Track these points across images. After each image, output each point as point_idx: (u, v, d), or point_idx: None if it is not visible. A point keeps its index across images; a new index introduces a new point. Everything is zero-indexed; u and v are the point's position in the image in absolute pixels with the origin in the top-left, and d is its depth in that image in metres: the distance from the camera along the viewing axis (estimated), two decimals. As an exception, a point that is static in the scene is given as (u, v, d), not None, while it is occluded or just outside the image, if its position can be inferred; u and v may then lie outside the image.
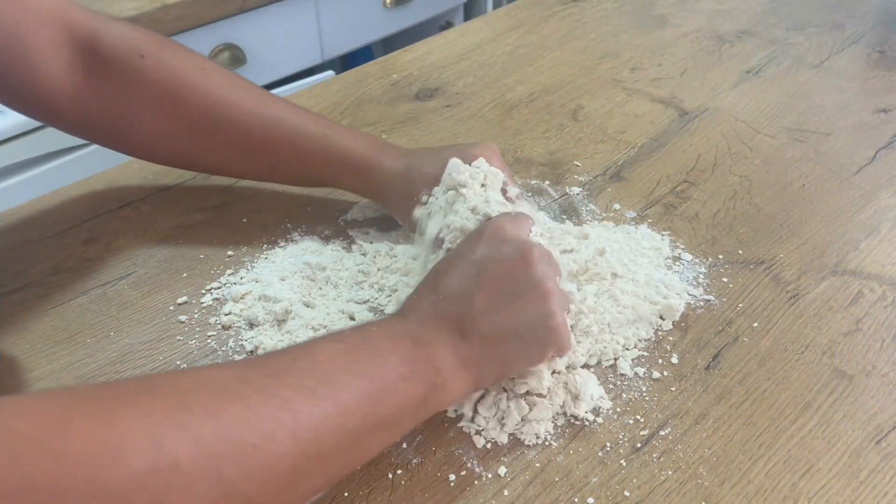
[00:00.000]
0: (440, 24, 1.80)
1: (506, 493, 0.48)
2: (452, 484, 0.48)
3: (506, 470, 0.49)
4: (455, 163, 0.58)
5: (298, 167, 0.66)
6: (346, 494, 0.47)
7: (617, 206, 0.71)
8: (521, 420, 0.51)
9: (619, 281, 0.59)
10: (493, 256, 0.49)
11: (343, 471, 0.43)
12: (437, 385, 0.45)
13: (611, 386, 0.54)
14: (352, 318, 0.59)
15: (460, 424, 0.51)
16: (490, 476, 0.49)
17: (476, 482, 0.48)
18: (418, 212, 0.60)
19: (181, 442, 0.35)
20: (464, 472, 0.49)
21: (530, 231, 0.53)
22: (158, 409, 0.35)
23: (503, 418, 0.51)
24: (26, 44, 0.59)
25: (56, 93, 0.61)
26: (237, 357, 0.57)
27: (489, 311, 0.47)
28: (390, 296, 0.60)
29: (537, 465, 0.49)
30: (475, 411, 0.52)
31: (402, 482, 0.48)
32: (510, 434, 0.51)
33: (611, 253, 0.61)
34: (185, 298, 0.62)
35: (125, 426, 0.34)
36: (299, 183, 0.70)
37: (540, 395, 0.51)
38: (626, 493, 0.47)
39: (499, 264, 0.49)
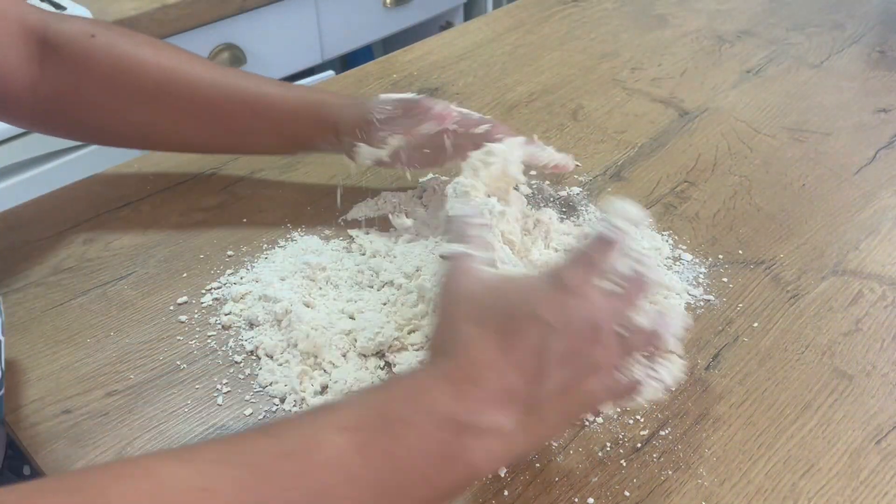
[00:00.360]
0: (440, 24, 1.80)
1: (506, 493, 0.48)
2: (452, 484, 0.48)
3: (505, 470, 0.49)
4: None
5: (259, 126, 0.66)
6: (346, 494, 0.47)
7: (617, 206, 0.71)
8: None
9: None
10: (568, 326, 0.39)
11: None
12: (470, 481, 0.39)
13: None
14: (352, 318, 0.59)
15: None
16: (490, 476, 0.49)
17: (476, 482, 0.48)
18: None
19: None
20: (464, 472, 0.49)
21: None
22: None
23: None
24: None
25: (14, 87, 0.61)
26: (237, 357, 0.57)
27: (561, 391, 0.39)
28: (390, 297, 0.60)
29: (537, 465, 0.49)
30: None
31: (402, 482, 0.48)
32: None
33: None
34: (185, 298, 0.62)
35: None
36: (263, 149, 0.70)
37: None
38: (626, 493, 0.47)
39: (571, 336, 0.39)
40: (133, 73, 0.63)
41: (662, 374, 0.43)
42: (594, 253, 0.42)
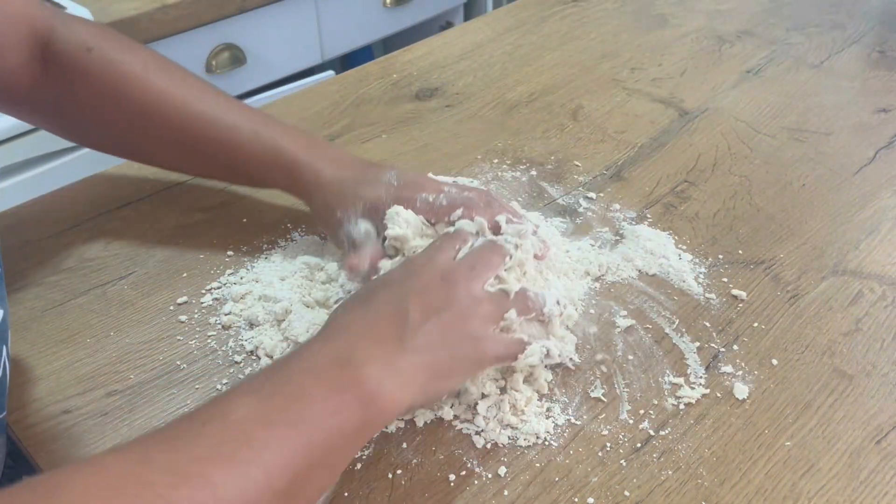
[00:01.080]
0: (440, 24, 1.80)
1: (506, 493, 0.48)
2: (452, 484, 0.48)
3: (506, 470, 0.49)
4: (392, 214, 0.57)
5: (227, 163, 0.65)
6: (346, 494, 0.47)
7: (617, 206, 0.71)
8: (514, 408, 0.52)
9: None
10: (419, 279, 0.50)
11: None
12: (372, 409, 0.43)
13: (611, 385, 0.54)
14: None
15: (459, 427, 0.51)
16: (490, 476, 0.49)
17: (476, 482, 0.48)
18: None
19: None
20: (464, 472, 0.49)
21: (462, 249, 0.53)
22: None
23: (503, 419, 0.51)
24: None
25: (16, 84, 0.63)
26: (237, 357, 0.57)
27: (423, 323, 0.47)
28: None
29: (537, 465, 0.49)
30: (475, 412, 0.52)
31: (403, 482, 0.48)
32: (510, 436, 0.51)
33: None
34: (185, 298, 0.62)
35: None
36: (234, 180, 0.70)
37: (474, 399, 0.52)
38: (626, 493, 0.47)
39: (424, 285, 0.49)
40: (121, 97, 0.64)
41: (549, 344, 0.53)
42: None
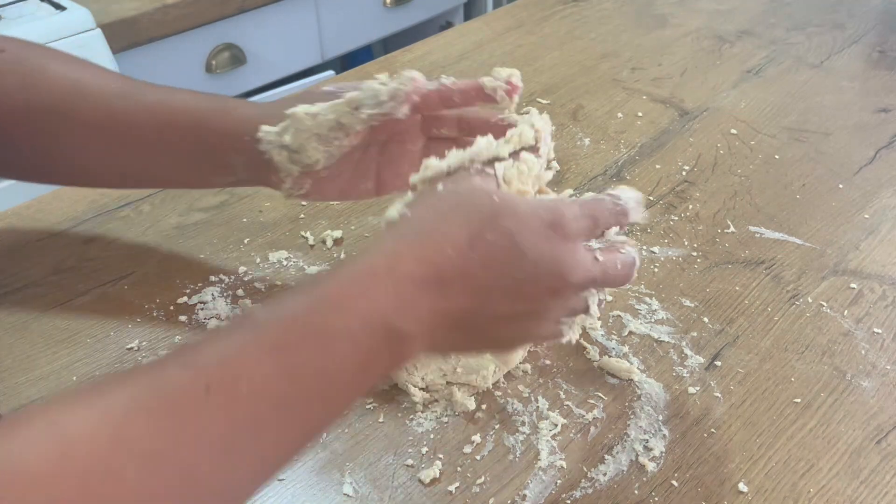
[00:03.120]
0: (440, 24, 1.80)
1: (505, 492, 0.48)
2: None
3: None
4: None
5: (167, 138, 0.56)
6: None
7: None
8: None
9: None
10: (539, 260, 0.39)
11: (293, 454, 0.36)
12: (398, 363, 0.38)
13: (610, 386, 0.54)
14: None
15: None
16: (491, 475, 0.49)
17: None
18: None
19: None
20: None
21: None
22: None
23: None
24: None
25: None
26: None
27: (510, 319, 0.40)
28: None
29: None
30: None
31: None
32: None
33: None
34: (184, 299, 0.62)
35: None
36: (174, 171, 0.60)
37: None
38: (627, 493, 0.47)
39: (539, 274, 0.39)
40: (40, 87, 0.58)
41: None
42: (602, 211, 0.42)
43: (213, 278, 0.63)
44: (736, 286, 0.62)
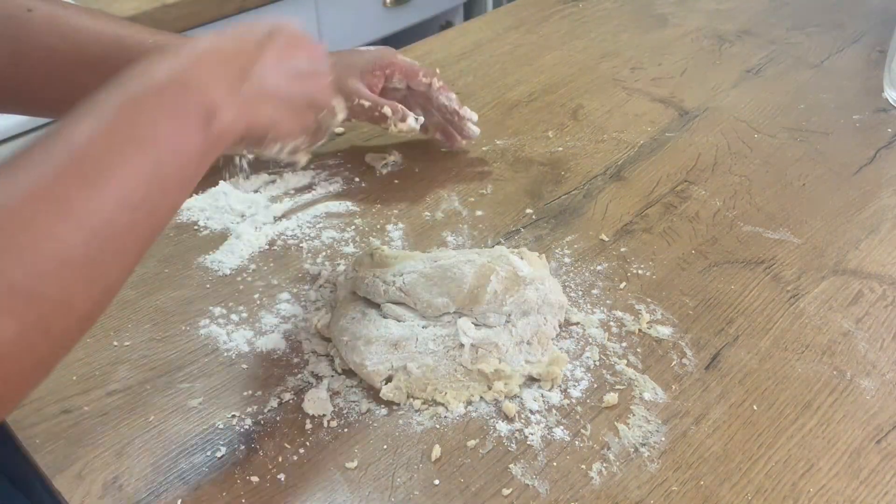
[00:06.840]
0: (440, 24, 1.80)
1: (505, 492, 0.48)
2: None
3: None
4: None
5: None
6: (346, 494, 0.47)
7: (614, 207, 0.71)
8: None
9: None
10: (281, 34, 0.52)
11: (143, 246, 0.42)
12: (211, 132, 0.44)
13: (610, 385, 0.54)
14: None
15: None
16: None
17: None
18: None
19: None
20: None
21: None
22: None
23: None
24: None
25: None
26: (237, 357, 0.57)
27: (276, 65, 0.49)
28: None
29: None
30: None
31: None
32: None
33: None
34: (185, 299, 0.62)
35: None
36: None
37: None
38: (627, 494, 0.47)
39: (287, 40, 0.52)
40: (75, 43, 0.62)
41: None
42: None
43: (212, 278, 0.63)
44: (736, 286, 0.62)
